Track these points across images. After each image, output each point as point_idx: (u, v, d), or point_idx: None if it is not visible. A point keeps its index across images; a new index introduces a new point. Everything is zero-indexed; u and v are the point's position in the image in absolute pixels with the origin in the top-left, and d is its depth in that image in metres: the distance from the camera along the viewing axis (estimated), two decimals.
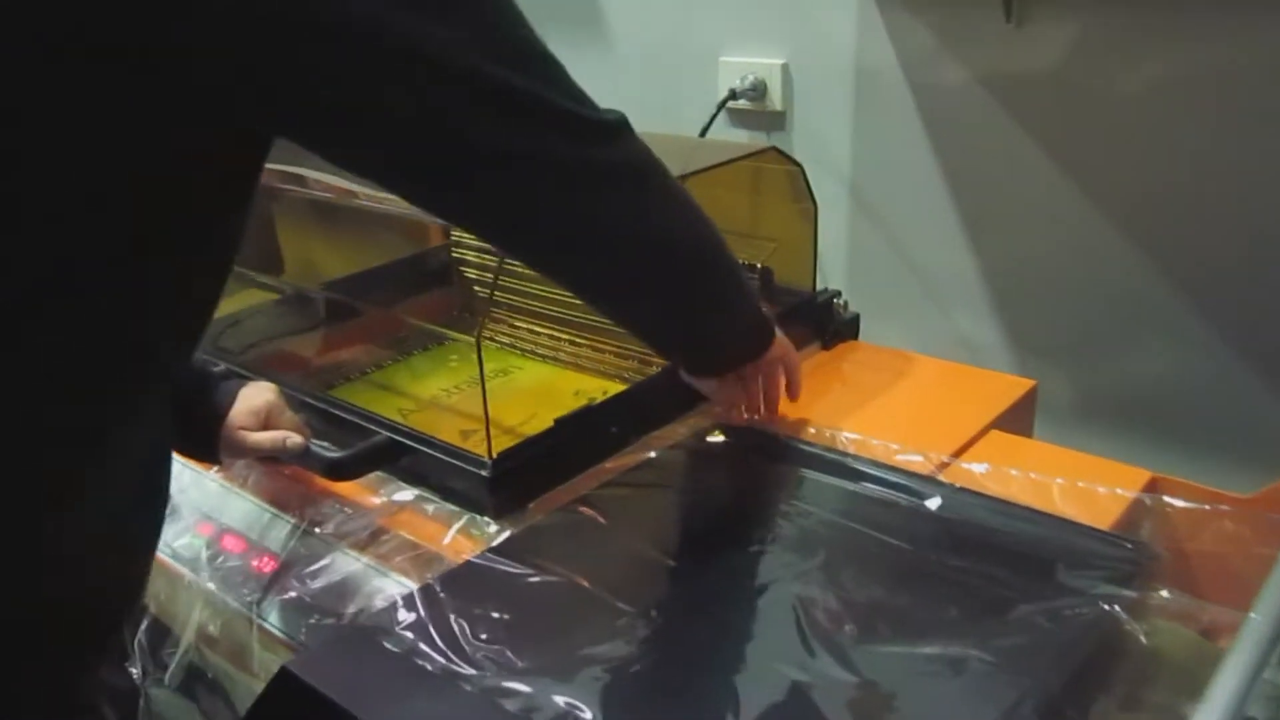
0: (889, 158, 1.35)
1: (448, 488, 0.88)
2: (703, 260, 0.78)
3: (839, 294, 1.18)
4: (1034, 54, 1.18)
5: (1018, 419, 1.05)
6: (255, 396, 0.92)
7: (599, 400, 1.00)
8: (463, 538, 0.86)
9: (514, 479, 0.86)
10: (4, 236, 0.54)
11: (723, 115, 1.44)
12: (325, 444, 0.91)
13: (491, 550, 0.78)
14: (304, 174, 1.25)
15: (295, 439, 0.90)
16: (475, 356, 0.98)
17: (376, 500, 0.93)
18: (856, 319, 1.20)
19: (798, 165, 1.09)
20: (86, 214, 0.56)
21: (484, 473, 0.84)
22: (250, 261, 1.18)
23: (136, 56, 0.52)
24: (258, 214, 1.29)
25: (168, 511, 1.01)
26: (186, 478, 1.07)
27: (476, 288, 1.35)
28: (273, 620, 0.91)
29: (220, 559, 0.96)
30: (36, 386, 0.58)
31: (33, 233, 0.55)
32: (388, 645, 0.68)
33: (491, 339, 1.25)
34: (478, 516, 0.86)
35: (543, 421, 0.94)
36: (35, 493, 0.61)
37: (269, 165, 1.09)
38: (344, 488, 0.93)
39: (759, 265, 1.09)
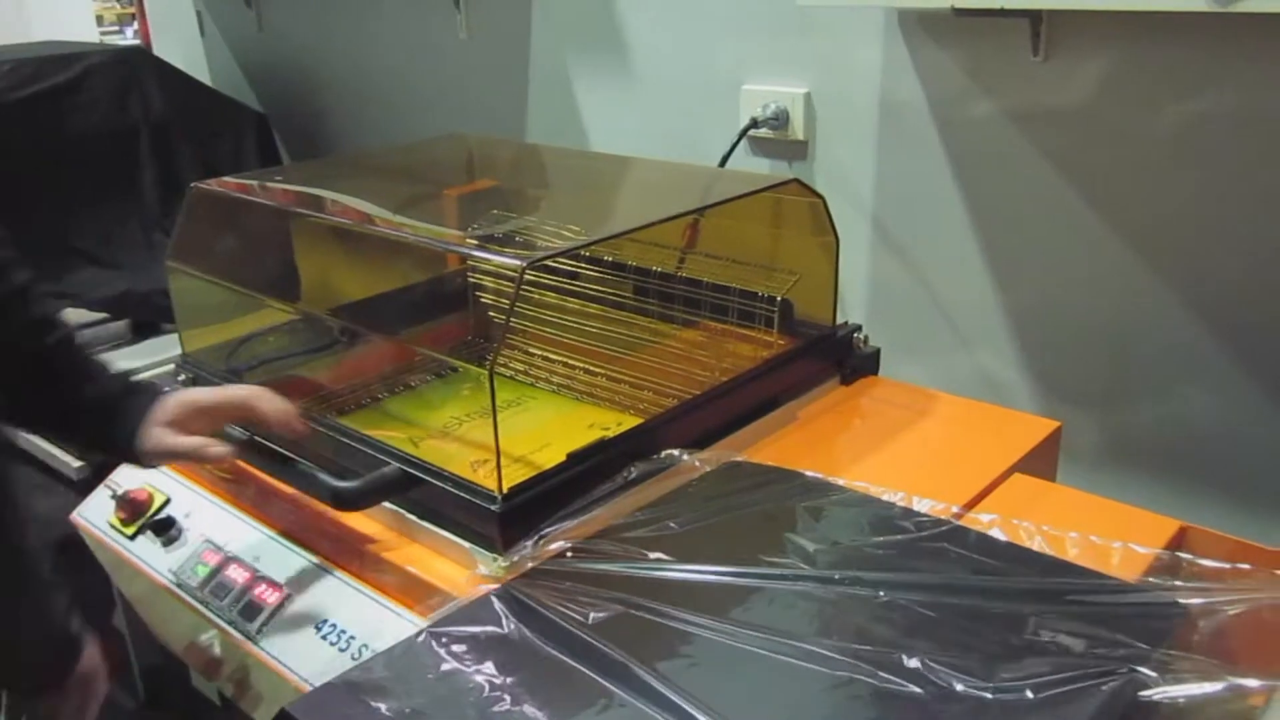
0: (913, 190, 1.33)
1: (456, 520, 0.86)
2: None
3: (859, 328, 1.16)
4: (1062, 88, 1.16)
5: (1041, 462, 1.02)
6: (177, 401, 0.89)
7: (613, 433, 0.98)
8: (470, 571, 0.84)
9: (524, 513, 0.84)
10: None
11: (744, 144, 1.43)
12: (327, 472, 0.89)
13: (497, 595, 0.76)
14: (323, 196, 1.24)
15: (218, 448, 0.88)
16: (488, 386, 0.96)
17: (383, 531, 0.91)
18: (877, 354, 1.18)
19: (819, 197, 1.07)
20: None
21: (493, 507, 0.82)
22: (267, 283, 1.17)
23: None
24: (276, 236, 1.29)
25: (174, 537, 1.01)
26: (192, 503, 1.05)
27: (492, 314, 1.34)
28: (274, 651, 0.89)
29: (224, 588, 0.95)
30: None
31: None
32: (384, 709, 0.66)
33: (505, 366, 1.24)
34: (486, 550, 0.84)
35: (556, 454, 0.92)
36: None
37: (288, 187, 1.09)
38: (351, 517, 0.91)
39: (779, 298, 1.07)
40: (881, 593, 0.76)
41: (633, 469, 0.90)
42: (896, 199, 1.35)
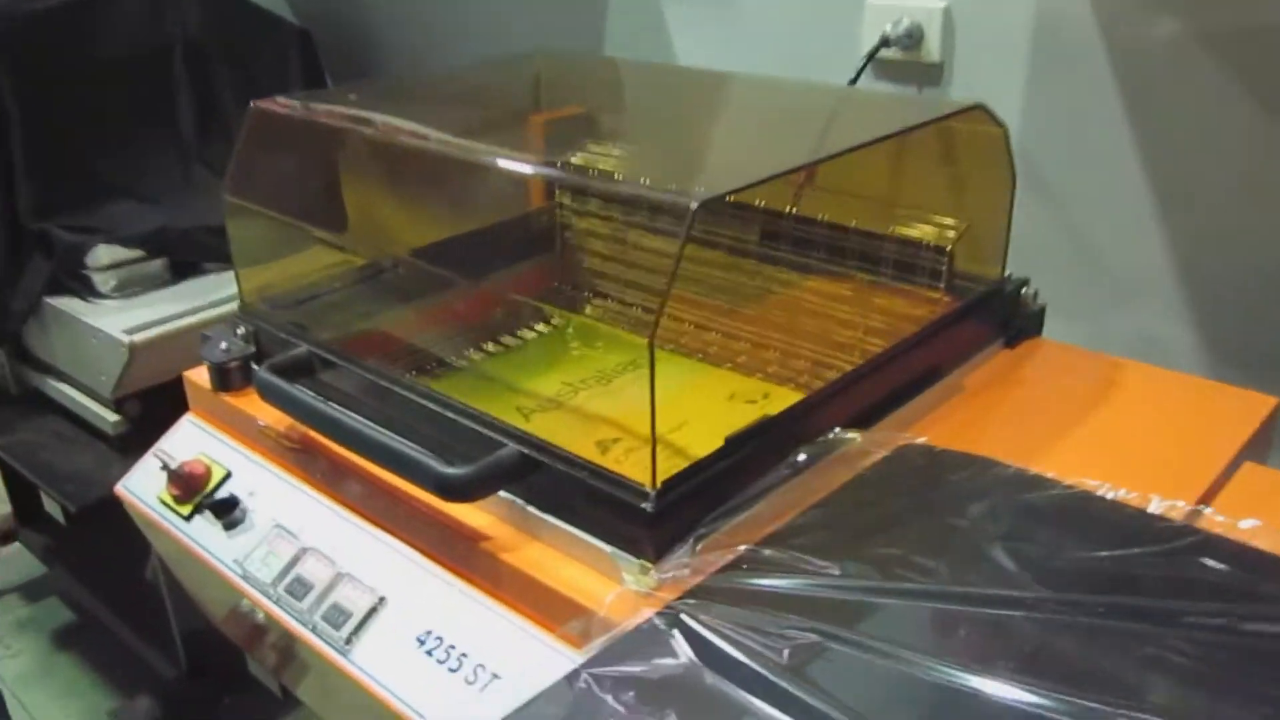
0: (1070, 124, 1.15)
1: (591, 517, 0.71)
2: None
3: (1026, 282, 0.99)
4: (1264, 2, 0.98)
5: (1260, 447, 0.86)
6: None
7: (768, 410, 0.82)
8: (614, 585, 0.69)
9: (679, 512, 0.68)
10: None
11: (867, 67, 1.25)
12: (428, 453, 0.74)
13: (663, 621, 0.61)
14: (373, 118, 1.07)
15: None
16: (598, 343, 0.81)
17: (496, 525, 0.76)
18: (1042, 313, 1.01)
19: (1002, 127, 0.90)
20: None
21: (645, 505, 0.67)
22: (339, 222, 1.01)
23: None
24: (350, 166, 1.13)
25: (237, 520, 0.86)
26: (255, 479, 0.90)
27: (586, 257, 1.17)
28: (368, 666, 0.74)
29: (303, 585, 0.80)
30: None
31: None
32: None
33: (615, 316, 1.08)
34: (631, 557, 0.68)
35: (697, 434, 0.77)
36: None
37: (362, 111, 0.91)
38: (455, 507, 0.76)
39: (948, 248, 0.91)
40: (1139, 626, 0.60)
41: (800, 455, 0.75)
42: (1049, 134, 1.17)
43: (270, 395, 0.85)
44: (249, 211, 0.95)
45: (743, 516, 0.71)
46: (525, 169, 1.01)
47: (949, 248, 0.90)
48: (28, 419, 1.56)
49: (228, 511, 0.88)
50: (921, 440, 0.79)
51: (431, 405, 0.79)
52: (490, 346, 1.00)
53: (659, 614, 0.62)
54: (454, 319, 1.07)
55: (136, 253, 1.47)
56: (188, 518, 0.90)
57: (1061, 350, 0.99)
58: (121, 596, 1.66)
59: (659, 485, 0.67)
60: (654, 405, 0.66)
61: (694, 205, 0.63)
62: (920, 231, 0.93)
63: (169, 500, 0.92)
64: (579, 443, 0.76)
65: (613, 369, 0.91)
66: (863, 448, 0.78)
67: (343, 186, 1.04)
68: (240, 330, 0.96)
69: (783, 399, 0.83)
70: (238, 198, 0.94)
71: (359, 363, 0.86)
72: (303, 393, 0.83)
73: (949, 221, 0.93)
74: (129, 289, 1.46)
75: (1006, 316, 0.97)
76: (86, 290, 1.45)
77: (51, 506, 1.59)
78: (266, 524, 0.86)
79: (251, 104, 0.96)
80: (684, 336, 1.01)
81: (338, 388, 0.89)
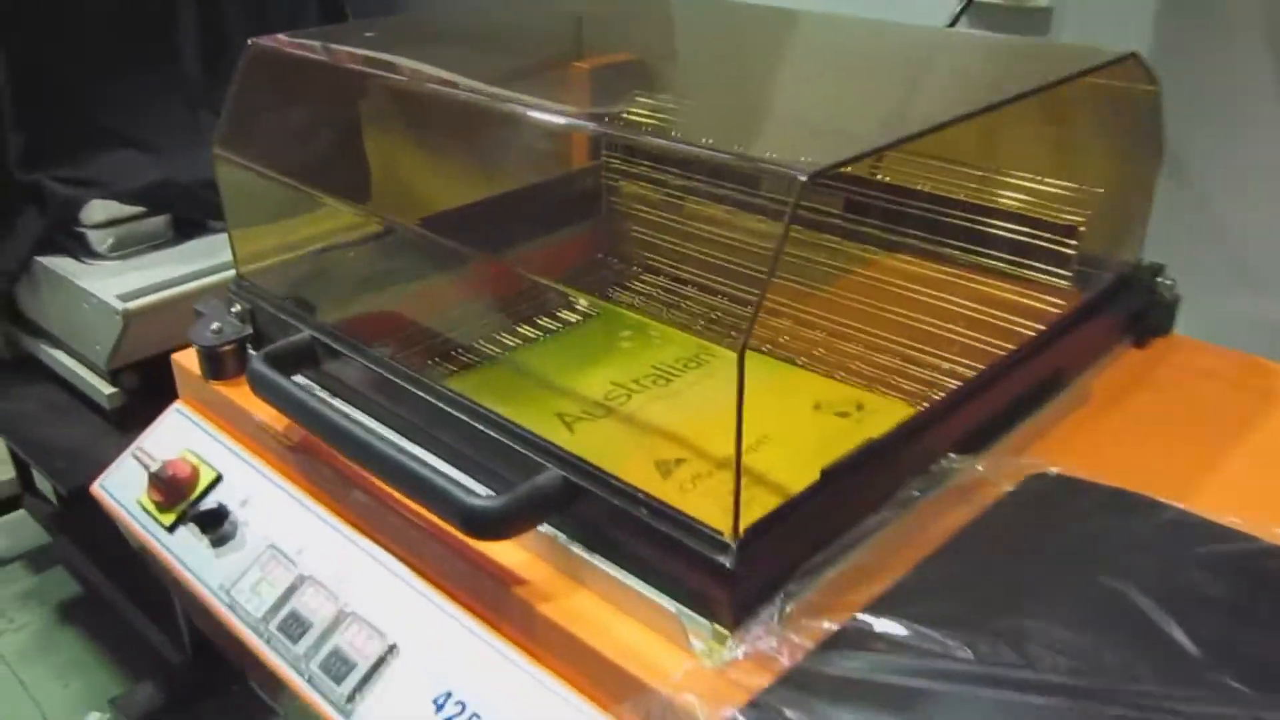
0: (1209, 81, 0.98)
1: (651, 563, 0.57)
2: None
3: (1161, 269, 0.83)
4: None
5: None
6: None
7: (864, 425, 0.67)
8: (672, 648, 0.55)
9: (767, 567, 0.54)
10: None
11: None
12: (453, 478, 0.60)
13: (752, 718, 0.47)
14: (391, 60, 0.92)
15: None
16: (653, 333, 0.67)
17: (533, 564, 0.62)
18: (1175, 306, 0.85)
19: (1155, 83, 0.74)
20: None
21: (724, 559, 0.52)
22: (346, 181, 0.87)
23: None
24: (361, 116, 0.98)
25: (226, 535, 0.73)
26: (250, 486, 0.77)
27: (635, 225, 1.03)
28: None
29: (299, 623, 0.66)
30: None
31: None
32: None
33: (671, 291, 0.94)
34: (702, 619, 0.54)
35: (779, 454, 0.62)
36: None
37: (378, 54, 0.77)
38: (492, 547, 0.62)
39: (1079, 229, 0.75)
40: None
41: (914, 492, 0.60)
42: (1181, 91, 1.00)
43: (264, 391, 0.72)
44: (245, 168, 0.81)
45: (842, 568, 0.57)
46: (570, 123, 0.86)
47: (1080, 227, 0.75)
48: (21, 387, 1.43)
49: (215, 525, 0.74)
50: (1054, 471, 0.64)
51: (456, 413, 0.65)
52: (525, 330, 0.86)
53: (748, 711, 0.48)
54: (483, 296, 0.93)
55: (135, 208, 1.33)
56: (170, 528, 0.77)
57: (1200, 350, 0.83)
58: (127, 571, 1.54)
59: (742, 533, 0.53)
60: (740, 437, 0.52)
61: (803, 178, 0.48)
62: (1042, 207, 0.77)
63: (149, 506, 0.79)
64: (635, 464, 0.62)
65: (672, 364, 0.76)
66: (983, 478, 0.63)
67: (357, 140, 0.90)
68: (235, 308, 0.82)
69: (880, 411, 0.68)
70: (230, 151, 0.79)
71: (370, 354, 0.72)
72: (301, 391, 0.69)
73: (1076, 195, 0.77)
74: (127, 248, 1.33)
75: (1139, 310, 0.82)
76: (81, 249, 1.32)
77: (44, 484, 1.47)
78: (259, 543, 0.72)
79: (250, 42, 0.81)
80: (758, 329, 0.86)
81: (345, 381, 0.75)
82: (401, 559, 0.66)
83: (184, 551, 0.76)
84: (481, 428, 0.63)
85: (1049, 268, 0.76)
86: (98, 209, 1.31)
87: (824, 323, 0.84)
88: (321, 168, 0.90)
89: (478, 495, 0.58)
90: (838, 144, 0.55)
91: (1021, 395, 0.71)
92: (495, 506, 0.57)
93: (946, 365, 0.78)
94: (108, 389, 1.28)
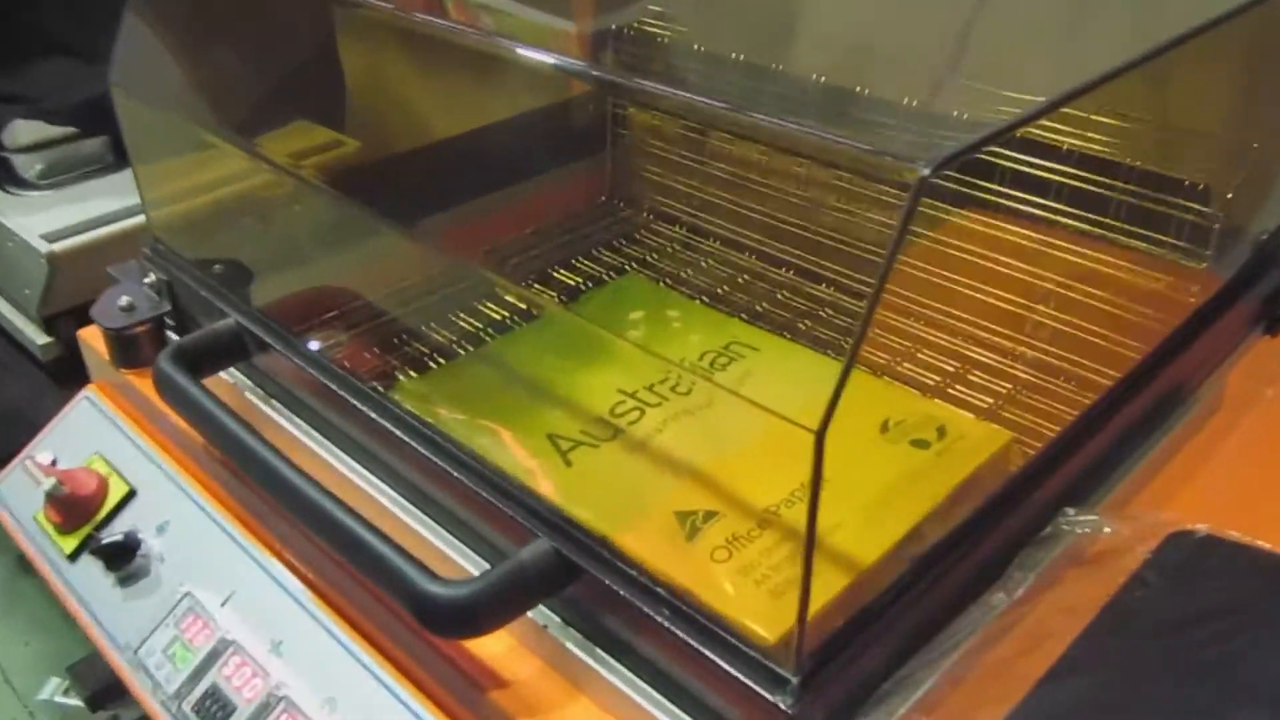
0: None
1: (669, 677, 0.42)
2: None
3: None
4: None
5: None
6: None
7: (950, 457, 0.52)
8: None
9: (835, 698, 0.39)
10: None
11: None
12: (410, 557, 0.44)
13: None
14: None
15: None
16: (670, 311, 0.51)
17: (518, 654, 0.47)
18: None
19: None
20: None
21: (780, 700, 0.37)
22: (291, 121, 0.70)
23: None
24: (304, 36, 0.80)
25: (135, 574, 0.58)
26: (171, 508, 0.62)
27: (648, 168, 0.86)
28: None
29: (222, 706, 0.52)
30: None
31: None
32: None
33: (689, 244, 0.78)
34: None
35: (839, 506, 0.47)
36: None
37: None
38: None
39: (1229, 195, 0.58)
40: None
41: (1025, 574, 0.45)
42: None
43: (173, 400, 0.56)
44: (149, 107, 0.63)
45: (933, 689, 0.42)
46: (562, 60, 0.69)
47: (1230, 193, 0.58)
48: None
49: (123, 560, 0.59)
50: (1202, 530, 0.49)
51: (417, 445, 0.49)
52: (505, 314, 0.70)
53: None
54: (460, 258, 0.76)
55: (68, 129, 1.16)
56: (72, 556, 0.62)
57: None
58: None
59: (805, 660, 0.37)
60: (812, 543, 0.36)
61: (925, 171, 0.32)
62: (1173, 164, 0.60)
63: (46, 526, 0.64)
64: (650, 518, 0.47)
65: (697, 360, 0.60)
66: (1111, 544, 0.48)
67: (305, 67, 0.73)
68: (150, 279, 0.66)
69: (967, 439, 0.52)
70: (127, 83, 0.62)
71: (311, 354, 0.56)
72: (218, 407, 0.53)
73: (1223, 154, 0.60)
74: (59, 175, 1.15)
75: (1276, 289, 0.65)
76: (6, 177, 1.14)
77: None
78: (176, 588, 0.57)
79: None
80: (801, 313, 0.70)
81: (282, 383, 0.59)
82: (353, 628, 0.51)
83: (86, 588, 0.61)
84: (451, 470, 0.48)
85: (1182, 242, 0.60)
86: (23, 130, 1.13)
87: (885, 311, 0.68)
88: (260, 106, 0.73)
89: (437, 580, 0.42)
90: (962, 104, 0.38)
91: (1147, 412, 0.55)
92: (462, 596, 0.42)
93: (1037, 361, 0.62)
94: (41, 338, 1.12)
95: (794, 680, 0.37)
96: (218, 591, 0.56)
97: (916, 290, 0.69)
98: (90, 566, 0.61)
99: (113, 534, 0.60)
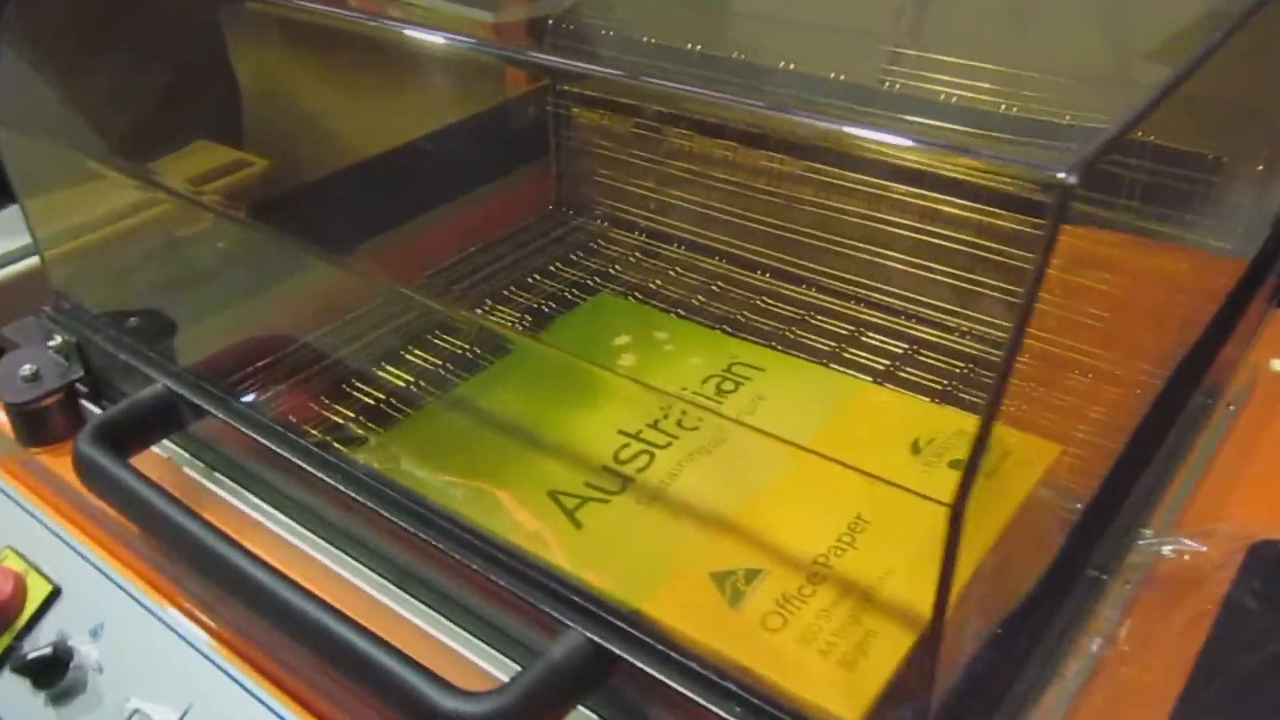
0: None
1: None
2: None
3: None
4: None
5: None
6: None
7: (1005, 478, 0.47)
8: None
9: None
10: None
11: None
12: (417, 667, 0.37)
13: None
14: None
15: None
16: (659, 332, 0.45)
17: None
18: None
19: None
20: None
21: None
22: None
23: None
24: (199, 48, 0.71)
25: (67, 691, 0.50)
26: (102, 597, 0.53)
27: (600, 172, 0.79)
28: None
29: None
30: None
31: None
32: None
33: (655, 269, 0.71)
34: None
35: (881, 550, 0.42)
36: None
37: None
38: None
39: (1259, 168, 0.54)
40: None
41: (1104, 615, 0.40)
42: None
43: (99, 487, 0.48)
44: (36, 140, 0.55)
45: None
46: (493, 47, 0.62)
47: (1260, 165, 0.54)
48: None
49: (54, 675, 0.51)
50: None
51: (401, 521, 0.42)
52: (475, 353, 0.62)
53: None
54: (406, 284, 0.69)
55: None
56: None
57: None
58: None
59: None
60: (940, 636, 0.30)
61: (1072, 180, 0.26)
62: (1191, 139, 0.56)
63: None
64: (681, 585, 0.40)
65: (699, 384, 0.54)
66: (1194, 562, 0.43)
67: (206, 84, 0.64)
68: (55, 341, 0.57)
69: (1015, 455, 0.47)
70: (5, 115, 0.53)
71: (263, 419, 0.48)
72: (157, 495, 0.45)
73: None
74: None
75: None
76: None
77: None
78: (122, 704, 0.49)
79: None
80: (786, 323, 0.64)
81: (226, 455, 0.51)
82: None
83: (11, 712, 0.52)
84: (448, 549, 0.41)
85: (1201, 218, 0.56)
86: None
87: (893, 297, 0.63)
88: (168, 109, 0.64)
89: (458, 694, 0.35)
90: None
91: (1194, 410, 0.51)
92: (491, 714, 0.35)
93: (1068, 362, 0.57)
94: None
95: None
96: (172, 705, 0.48)
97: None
98: (14, 685, 0.52)
99: (38, 645, 0.51)
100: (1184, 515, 0.47)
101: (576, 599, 0.38)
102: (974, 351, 0.61)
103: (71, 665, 0.51)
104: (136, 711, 0.48)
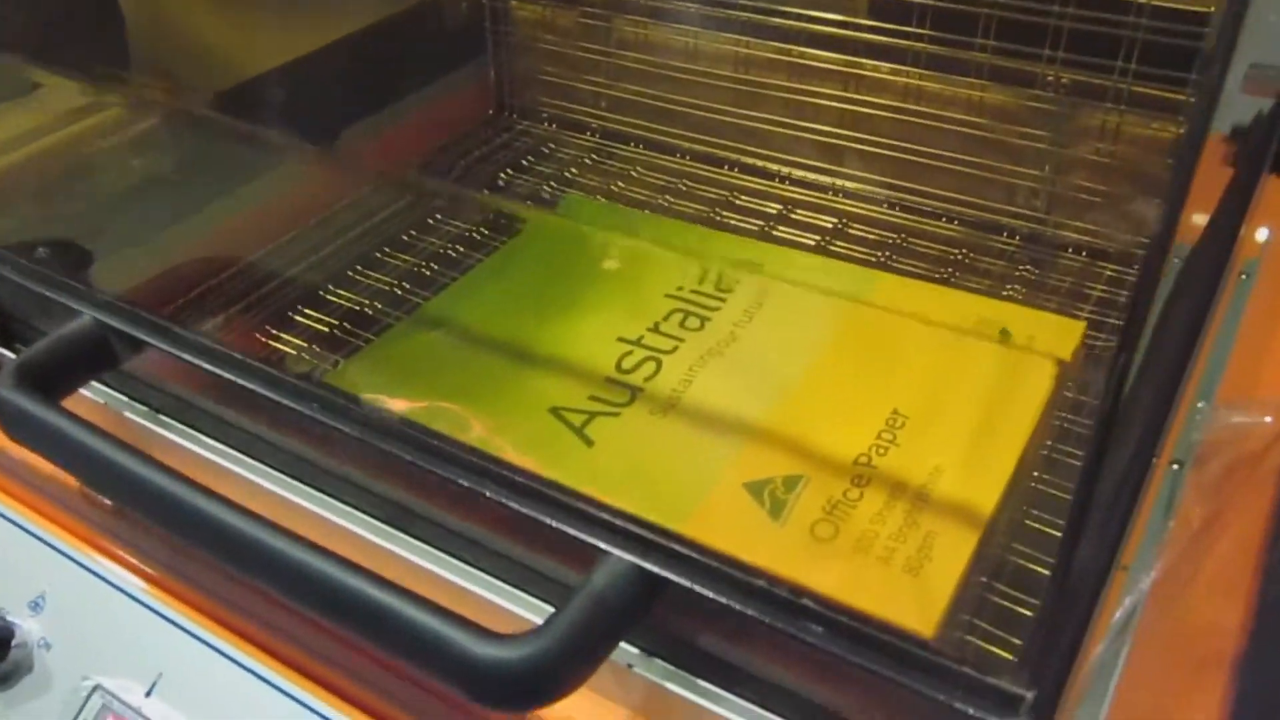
0: None
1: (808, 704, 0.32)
2: None
3: None
4: None
5: None
6: None
7: (1037, 364, 0.43)
8: None
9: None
10: None
11: None
12: (433, 607, 0.32)
13: None
14: None
15: None
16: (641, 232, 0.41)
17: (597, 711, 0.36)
18: None
19: None
20: None
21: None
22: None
23: None
24: None
25: (10, 673, 0.44)
26: (47, 569, 0.47)
27: (545, 70, 0.73)
28: None
29: None
30: None
31: None
32: None
33: (620, 171, 0.66)
34: None
35: (943, 449, 0.38)
36: None
37: None
38: None
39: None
40: None
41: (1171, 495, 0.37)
42: None
43: (30, 437, 0.41)
44: None
45: (1129, 647, 0.34)
46: None
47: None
48: None
49: None
50: None
51: (398, 450, 0.37)
52: (454, 251, 0.57)
53: None
54: (359, 204, 0.63)
55: None
56: None
57: None
58: None
59: (1038, 674, 0.28)
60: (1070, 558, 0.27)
61: None
62: None
63: None
64: (712, 501, 0.36)
65: (697, 291, 0.49)
66: (1247, 429, 0.41)
67: None
68: None
69: (1043, 335, 0.44)
70: None
71: (209, 348, 0.42)
72: (107, 443, 0.39)
73: None
74: None
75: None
76: None
77: None
78: (78, 682, 0.43)
79: None
80: (770, 220, 0.60)
81: (174, 393, 0.45)
82: (352, 705, 0.39)
83: None
84: (452, 475, 0.36)
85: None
86: None
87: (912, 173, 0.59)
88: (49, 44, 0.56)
89: (494, 638, 0.31)
90: None
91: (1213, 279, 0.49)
92: (535, 655, 0.31)
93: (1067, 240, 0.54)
94: None
95: (1028, 698, 0.28)
96: (137, 678, 0.43)
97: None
98: None
99: None
100: (1222, 389, 0.45)
101: (617, 521, 0.33)
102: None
103: (13, 644, 0.45)
104: (97, 688, 0.43)
